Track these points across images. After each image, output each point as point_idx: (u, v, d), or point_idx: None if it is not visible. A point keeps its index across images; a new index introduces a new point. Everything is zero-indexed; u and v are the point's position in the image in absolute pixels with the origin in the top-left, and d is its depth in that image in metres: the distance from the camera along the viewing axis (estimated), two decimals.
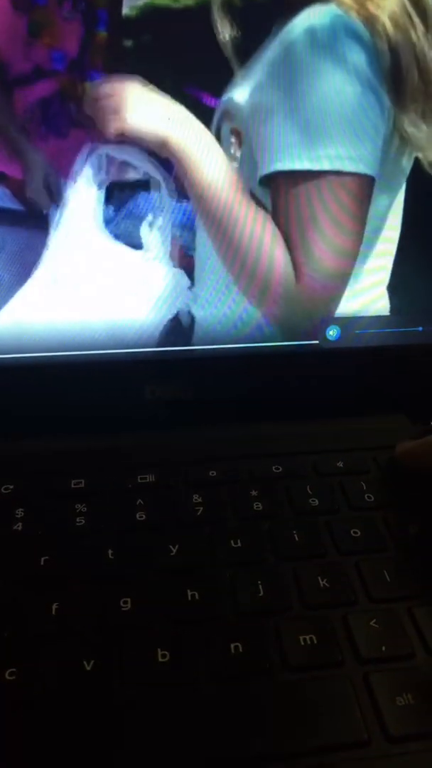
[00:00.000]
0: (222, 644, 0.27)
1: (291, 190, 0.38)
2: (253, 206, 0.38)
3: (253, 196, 0.38)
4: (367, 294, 0.41)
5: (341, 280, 0.40)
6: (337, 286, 0.40)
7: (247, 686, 0.26)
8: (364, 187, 0.38)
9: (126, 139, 0.35)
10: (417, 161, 0.39)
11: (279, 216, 0.38)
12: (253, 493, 0.35)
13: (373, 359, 0.42)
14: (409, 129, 0.37)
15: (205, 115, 0.36)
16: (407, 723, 0.25)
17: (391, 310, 0.42)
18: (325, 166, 0.37)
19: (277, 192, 0.38)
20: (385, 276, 0.42)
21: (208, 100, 0.35)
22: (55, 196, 0.38)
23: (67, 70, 0.34)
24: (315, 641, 0.28)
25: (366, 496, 0.36)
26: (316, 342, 0.41)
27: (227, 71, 0.35)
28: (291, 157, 0.37)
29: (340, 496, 0.36)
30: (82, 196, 0.38)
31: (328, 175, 0.37)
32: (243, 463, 0.37)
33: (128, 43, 0.33)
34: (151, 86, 0.34)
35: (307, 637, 0.28)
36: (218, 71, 0.35)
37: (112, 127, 0.34)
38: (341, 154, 0.37)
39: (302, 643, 0.28)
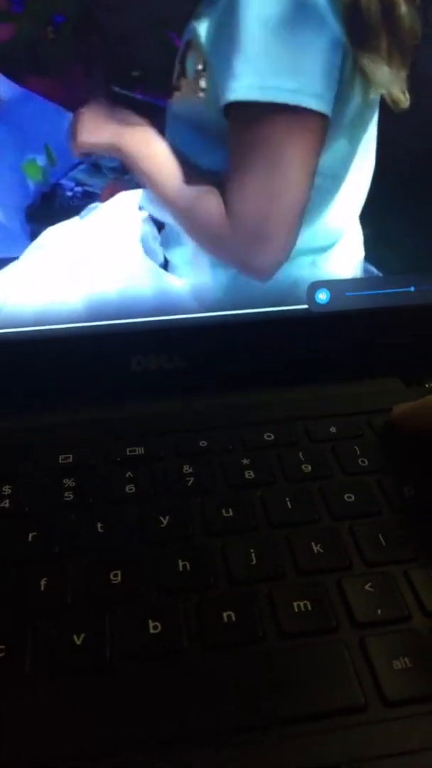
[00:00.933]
0: (214, 614, 0.27)
1: (241, 122, 0.37)
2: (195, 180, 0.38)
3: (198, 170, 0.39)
4: (341, 249, 0.40)
5: (283, 226, 0.38)
6: (278, 232, 0.38)
7: (241, 655, 0.26)
8: (316, 126, 0.37)
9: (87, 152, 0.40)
10: (383, 104, 0.38)
11: (232, 151, 0.37)
12: (245, 461, 0.35)
13: (365, 322, 0.41)
14: (370, 68, 0.36)
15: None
16: (405, 687, 0.24)
17: (378, 268, 0.41)
18: (272, 97, 0.35)
19: (231, 125, 0.37)
20: (357, 228, 0.41)
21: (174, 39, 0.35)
22: None
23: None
24: (309, 607, 0.27)
25: (360, 460, 0.35)
26: (306, 306, 0.40)
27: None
28: (242, 88, 0.35)
29: (334, 462, 0.35)
30: None
31: (277, 108, 0.36)
32: (234, 432, 0.37)
33: None
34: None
35: (301, 604, 0.27)
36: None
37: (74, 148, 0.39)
38: (291, 87, 0.35)
39: (296, 610, 0.27)
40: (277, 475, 0.34)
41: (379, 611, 0.27)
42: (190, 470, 0.34)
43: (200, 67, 0.36)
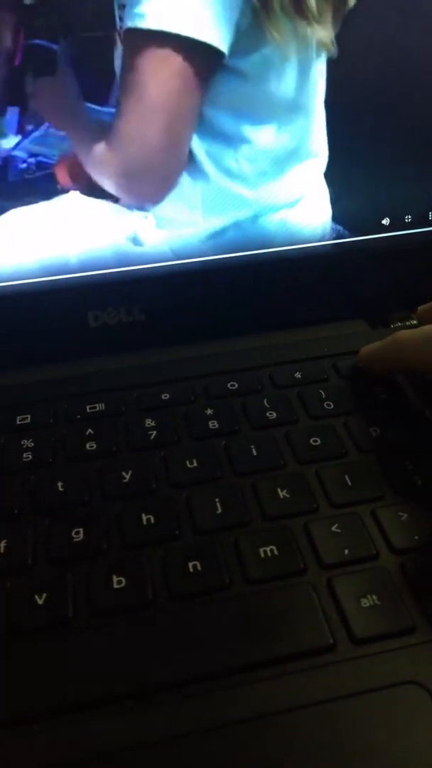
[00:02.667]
0: (179, 564, 0.26)
1: (134, 49, 0.35)
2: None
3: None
4: (307, 205, 0.39)
5: (165, 155, 0.38)
6: (159, 160, 0.38)
7: (208, 603, 0.25)
8: (207, 60, 0.35)
9: None
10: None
11: (122, 78, 0.36)
12: (208, 411, 0.34)
13: (327, 265, 0.40)
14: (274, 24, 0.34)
15: None
16: (373, 624, 0.24)
17: (344, 219, 0.40)
18: (166, 27, 0.34)
19: (125, 52, 0.35)
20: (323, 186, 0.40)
21: None
22: None
23: None
24: (276, 552, 0.27)
25: (325, 404, 0.34)
26: (267, 251, 0.39)
27: None
28: (132, 16, 0.34)
29: (299, 407, 0.34)
30: None
31: (169, 38, 0.34)
32: (196, 383, 0.36)
33: None
34: None
35: (268, 549, 0.27)
36: None
37: None
38: (182, 17, 0.34)
39: (262, 555, 0.26)
40: (241, 423, 0.33)
41: (346, 551, 0.26)
42: (153, 424, 0.33)
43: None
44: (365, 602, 0.25)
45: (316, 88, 0.38)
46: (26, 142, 0.37)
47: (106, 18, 0.35)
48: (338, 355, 0.37)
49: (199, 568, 0.26)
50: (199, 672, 0.23)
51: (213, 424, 0.33)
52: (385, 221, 0.40)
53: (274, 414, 0.34)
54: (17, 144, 0.37)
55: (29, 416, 0.34)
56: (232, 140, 0.38)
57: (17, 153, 0.37)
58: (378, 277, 0.41)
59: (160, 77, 0.36)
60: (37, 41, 0.35)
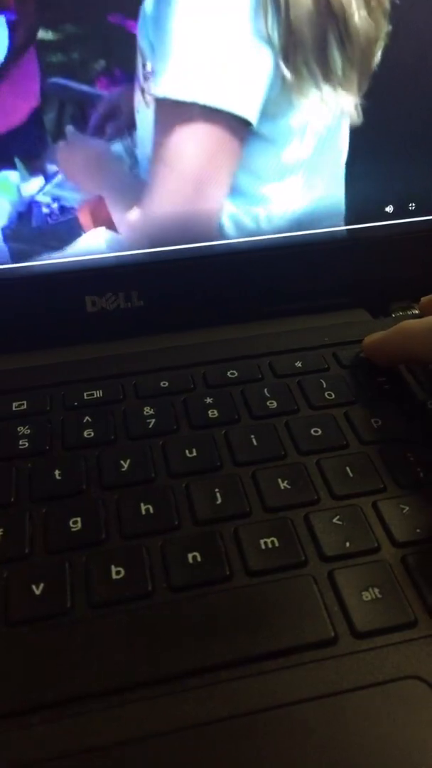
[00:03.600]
0: (179, 555, 0.26)
1: (164, 118, 0.35)
2: None
3: None
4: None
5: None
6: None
7: (207, 595, 0.25)
8: (237, 131, 0.36)
9: None
10: None
11: (155, 142, 0.36)
12: (208, 400, 0.33)
13: (329, 252, 0.40)
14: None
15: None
16: (374, 617, 0.24)
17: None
18: (196, 98, 0.34)
19: (157, 118, 0.36)
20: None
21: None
22: None
23: None
24: (276, 544, 0.26)
25: (326, 394, 0.34)
26: (267, 237, 0.39)
27: None
28: (164, 82, 0.34)
29: (300, 396, 0.34)
30: None
31: (201, 109, 0.35)
32: (196, 371, 0.35)
33: None
34: None
35: (268, 541, 0.26)
36: None
37: None
38: (212, 88, 0.34)
39: (263, 547, 0.26)
40: (241, 412, 0.33)
41: (347, 544, 0.26)
42: (151, 412, 0.33)
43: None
44: (367, 595, 0.25)
45: (340, 152, 0.38)
46: (49, 186, 0.37)
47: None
48: (339, 345, 0.37)
49: (198, 559, 0.26)
50: (199, 665, 0.23)
51: (213, 413, 0.33)
52: (389, 209, 0.39)
53: (275, 403, 0.33)
54: (40, 189, 0.36)
55: (25, 402, 0.33)
56: (253, 199, 0.38)
57: (40, 198, 0.37)
58: (380, 265, 0.40)
59: (192, 146, 0.36)
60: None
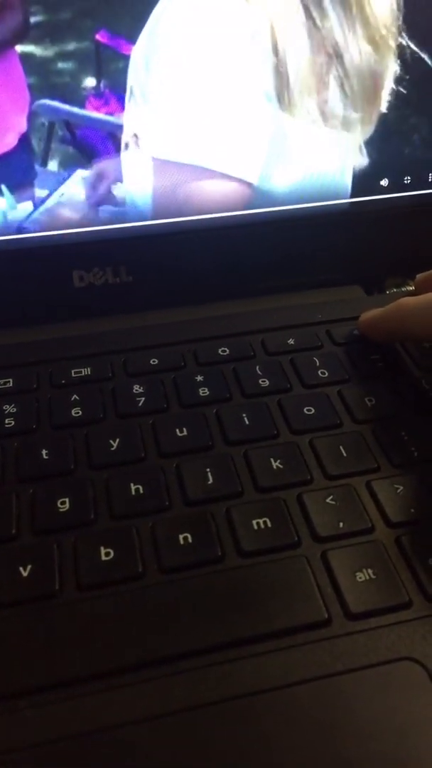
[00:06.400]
0: (170, 536, 0.25)
1: (162, 180, 0.35)
2: None
3: None
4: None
5: None
6: None
7: (199, 577, 0.24)
8: (240, 191, 0.35)
9: None
10: None
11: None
12: (199, 378, 0.33)
13: (322, 226, 0.39)
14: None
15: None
16: (368, 598, 0.24)
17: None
18: (185, 158, 0.34)
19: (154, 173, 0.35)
20: None
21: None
22: None
23: None
24: (269, 524, 0.26)
25: (319, 372, 0.33)
26: (259, 211, 0.38)
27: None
28: (160, 143, 0.34)
29: (292, 374, 0.33)
30: None
31: (197, 170, 0.34)
32: (186, 348, 0.34)
33: None
34: None
35: (261, 521, 0.26)
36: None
37: None
38: (212, 152, 0.34)
39: (255, 528, 0.26)
40: (233, 390, 0.32)
41: (341, 524, 0.26)
42: (141, 390, 0.32)
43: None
44: (360, 576, 0.24)
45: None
46: (36, 213, 0.36)
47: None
48: (333, 322, 0.36)
49: (190, 540, 0.25)
50: (190, 647, 0.23)
51: (203, 391, 0.32)
52: (384, 182, 0.38)
53: (267, 381, 0.33)
54: (28, 215, 0.35)
55: (11, 380, 0.33)
56: None
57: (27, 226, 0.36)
58: (375, 240, 0.40)
59: (192, 204, 0.36)
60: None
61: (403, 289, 0.39)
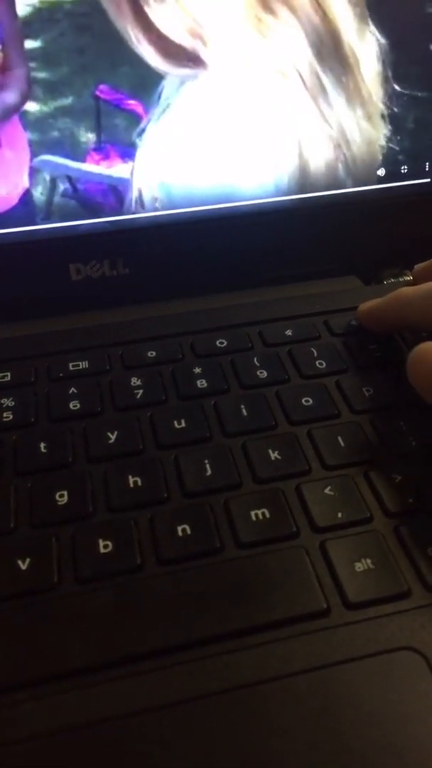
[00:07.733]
0: (168, 528, 0.25)
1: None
2: None
3: None
4: None
5: None
6: None
7: (198, 568, 0.24)
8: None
9: None
10: None
11: None
12: (197, 370, 0.33)
13: (320, 217, 0.38)
14: None
15: None
16: (367, 588, 0.24)
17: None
18: None
19: None
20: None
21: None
22: None
23: None
24: (267, 515, 0.26)
25: (317, 362, 0.33)
26: (256, 201, 0.37)
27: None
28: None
29: (290, 365, 0.33)
30: None
31: None
32: (183, 340, 0.34)
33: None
34: None
35: (259, 512, 0.26)
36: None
37: None
38: None
39: (254, 519, 0.26)
40: (231, 382, 0.32)
41: (339, 514, 0.26)
42: (139, 382, 0.32)
43: None
44: (359, 566, 0.24)
45: None
46: None
47: None
48: (330, 312, 0.36)
49: (188, 531, 0.25)
50: (189, 639, 0.23)
51: (201, 383, 0.32)
52: (381, 172, 0.38)
53: (265, 373, 0.32)
54: None
55: (9, 374, 0.33)
56: None
57: None
58: (372, 230, 0.39)
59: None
60: None
61: (400, 279, 0.39)
